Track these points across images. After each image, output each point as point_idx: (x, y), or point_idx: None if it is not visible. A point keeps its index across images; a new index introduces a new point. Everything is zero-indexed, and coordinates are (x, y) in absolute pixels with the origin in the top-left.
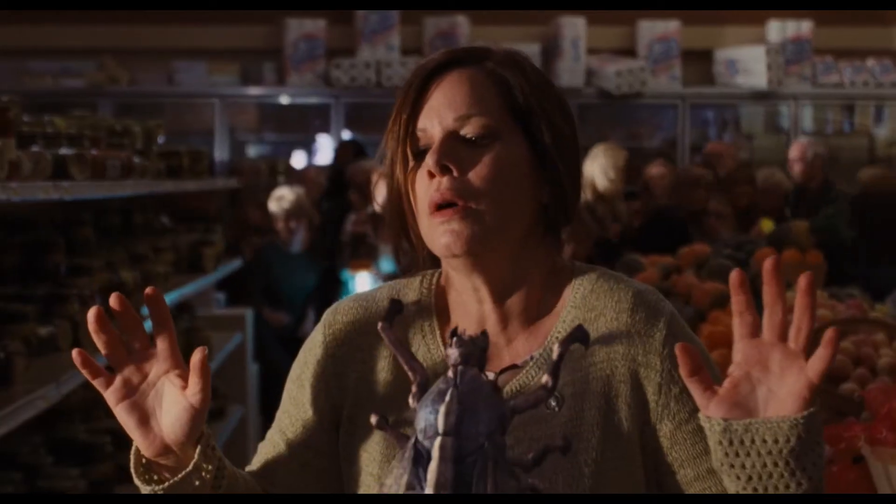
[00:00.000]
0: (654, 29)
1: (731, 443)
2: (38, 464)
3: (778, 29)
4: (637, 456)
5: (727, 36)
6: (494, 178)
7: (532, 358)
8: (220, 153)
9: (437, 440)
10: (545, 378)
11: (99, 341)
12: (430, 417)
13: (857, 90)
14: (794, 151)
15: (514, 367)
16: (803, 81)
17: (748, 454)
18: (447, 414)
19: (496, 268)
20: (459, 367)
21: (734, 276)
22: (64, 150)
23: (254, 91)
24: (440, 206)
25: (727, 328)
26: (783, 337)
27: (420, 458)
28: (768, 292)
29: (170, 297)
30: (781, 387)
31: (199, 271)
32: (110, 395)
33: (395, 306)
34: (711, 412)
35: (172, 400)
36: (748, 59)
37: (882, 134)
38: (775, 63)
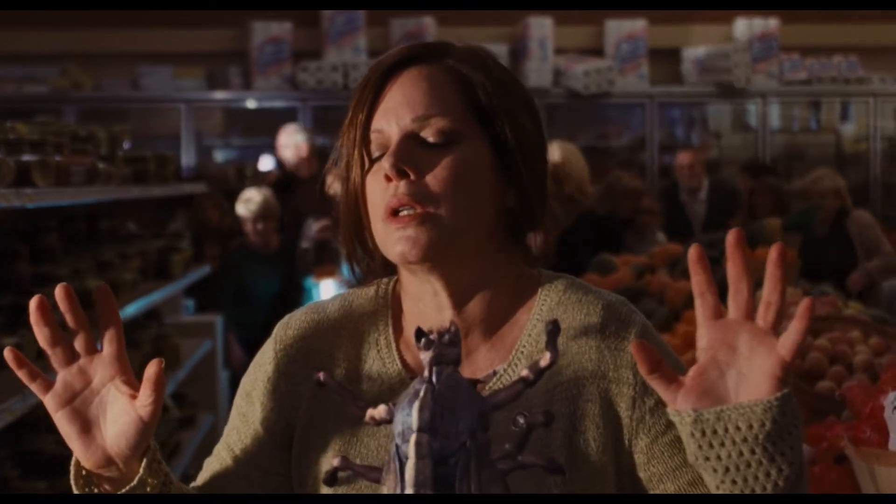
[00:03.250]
0: (622, 28)
1: (703, 433)
2: (5, 477)
3: (745, 26)
4: (608, 478)
5: (694, 34)
6: (454, 182)
7: (496, 373)
8: (187, 158)
9: (413, 437)
10: (525, 371)
11: (40, 335)
12: (406, 419)
13: (824, 87)
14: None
15: (476, 381)
16: (770, 79)
17: (722, 444)
18: (421, 409)
19: (456, 274)
20: (434, 367)
21: (692, 252)
22: (27, 157)
23: (220, 95)
24: (396, 212)
25: None
26: (750, 315)
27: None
28: (732, 268)
29: (137, 305)
30: (751, 369)
31: (168, 278)
32: (50, 401)
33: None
34: (680, 405)
35: (119, 409)
36: (716, 57)
37: (849, 131)
38: (743, 61)
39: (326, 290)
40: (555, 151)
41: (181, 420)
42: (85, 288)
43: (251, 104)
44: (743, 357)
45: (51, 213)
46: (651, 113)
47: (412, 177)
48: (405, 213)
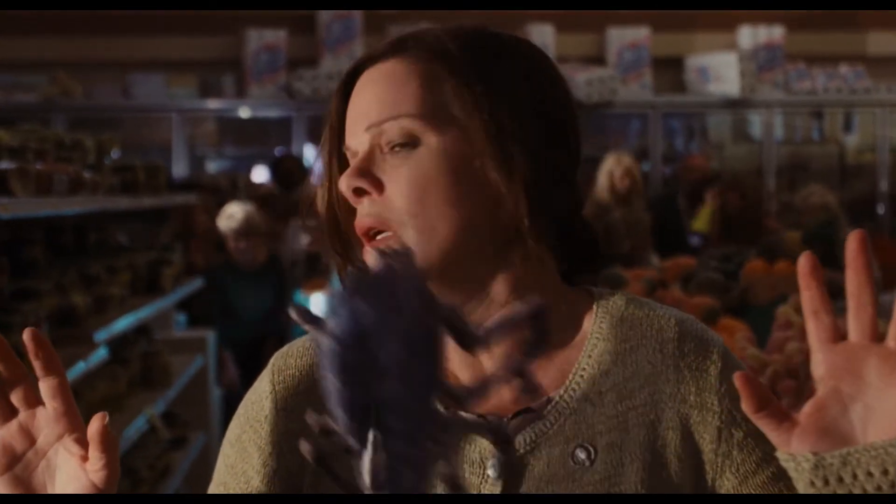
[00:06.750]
0: (624, 36)
1: (825, 482)
2: None
3: (749, 35)
4: None
5: (698, 42)
6: (420, 191)
7: (550, 400)
8: (179, 168)
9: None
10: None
11: None
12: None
13: (830, 97)
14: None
15: (528, 410)
16: (776, 88)
17: (850, 495)
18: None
19: (461, 291)
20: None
21: (804, 261)
22: (5, 164)
23: (213, 104)
24: (372, 235)
25: None
26: (876, 336)
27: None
28: (854, 279)
29: (126, 321)
30: (884, 400)
31: (158, 292)
32: None
33: None
34: (795, 447)
35: (69, 475)
36: (720, 66)
37: (854, 141)
38: (748, 70)
39: (316, 303)
40: (625, 161)
41: (171, 441)
42: (70, 303)
43: (245, 113)
44: (872, 387)
45: (35, 225)
46: (654, 123)
47: (373, 194)
48: (378, 236)
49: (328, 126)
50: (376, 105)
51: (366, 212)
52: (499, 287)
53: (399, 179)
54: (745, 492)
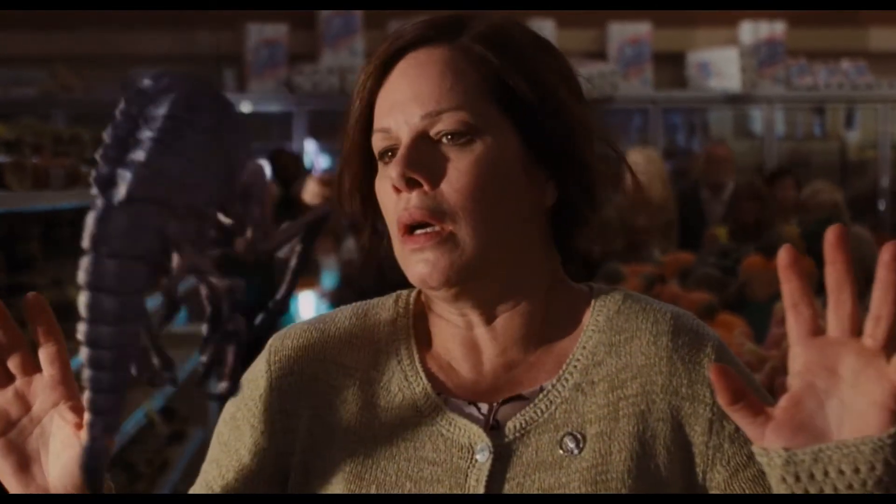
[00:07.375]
0: (625, 32)
1: (797, 478)
2: None
3: (750, 30)
4: None
5: (699, 38)
6: (476, 190)
7: (542, 389)
8: None
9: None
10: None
11: None
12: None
13: (831, 92)
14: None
15: (519, 397)
16: (777, 84)
17: (822, 491)
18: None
19: (487, 291)
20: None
21: (783, 254)
22: (1, 158)
23: None
24: (411, 229)
25: None
26: (855, 332)
27: None
28: (833, 273)
29: None
30: (858, 398)
31: (156, 287)
32: None
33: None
34: (768, 441)
35: (64, 442)
36: (721, 62)
37: (855, 138)
38: (749, 65)
39: (306, 301)
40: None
41: (170, 435)
42: (66, 298)
43: (245, 108)
44: (847, 383)
45: (32, 219)
46: (655, 118)
47: (425, 186)
48: (421, 231)
49: (360, 103)
50: (432, 91)
51: (415, 204)
52: (515, 282)
53: (456, 174)
54: (735, 485)
